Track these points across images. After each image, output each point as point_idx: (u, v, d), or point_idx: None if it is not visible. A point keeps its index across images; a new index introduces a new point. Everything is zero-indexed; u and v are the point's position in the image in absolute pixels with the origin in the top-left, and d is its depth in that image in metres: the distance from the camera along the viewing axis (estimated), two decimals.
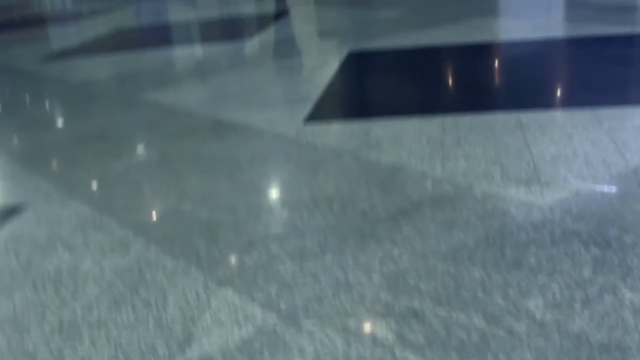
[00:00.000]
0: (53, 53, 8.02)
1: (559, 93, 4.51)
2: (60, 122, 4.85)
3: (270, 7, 8.87)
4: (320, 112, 4.33)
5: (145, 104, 5.07)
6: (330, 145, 3.68)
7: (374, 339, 2.00)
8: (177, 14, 10.96)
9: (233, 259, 2.58)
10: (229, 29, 8.51)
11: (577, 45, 5.71)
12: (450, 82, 4.97)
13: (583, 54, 5.36)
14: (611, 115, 3.80)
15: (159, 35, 8.84)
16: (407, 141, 3.64)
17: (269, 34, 7.65)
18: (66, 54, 7.96)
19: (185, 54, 7.10)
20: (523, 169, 3.16)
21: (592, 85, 4.47)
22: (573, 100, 4.23)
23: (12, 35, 10.31)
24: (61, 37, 9.73)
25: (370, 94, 4.79)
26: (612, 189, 2.91)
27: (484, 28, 6.78)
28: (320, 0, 9.83)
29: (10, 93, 6.29)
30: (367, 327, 2.07)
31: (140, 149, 4.06)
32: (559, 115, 3.91)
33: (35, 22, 11.85)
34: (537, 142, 3.48)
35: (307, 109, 4.40)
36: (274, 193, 3.19)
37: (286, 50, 6.61)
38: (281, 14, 8.65)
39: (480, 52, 5.78)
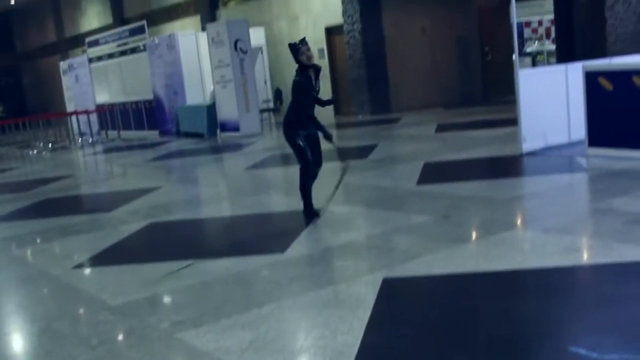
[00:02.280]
0: (85, 257, 8.12)
1: None
2: None
3: (302, 206, 8.88)
4: None
5: (183, 350, 5.08)
6: None
7: None
8: (209, 207, 11.09)
9: None
10: (261, 236, 8.46)
11: (612, 277, 5.70)
12: (485, 341, 4.88)
13: (625, 294, 5.26)
14: None
15: (192, 240, 8.88)
16: None
17: (301, 247, 7.65)
18: (98, 258, 8.07)
19: (220, 270, 7.05)
20: None
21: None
22: None
23: (52, 222, 10.44)
24: (94, 232, 9.77)
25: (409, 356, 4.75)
26: None
27: (515, 246, 6.82)
28: (355, 200, 9.99)
29: (44, 325, 6.11)
30: None
31: None
32: None
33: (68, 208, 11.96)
34: None
35: None
36: None
37: (320, 274, 6.62)
38: (314, 215, 8.67)
39: (516, 289, 5.80)
